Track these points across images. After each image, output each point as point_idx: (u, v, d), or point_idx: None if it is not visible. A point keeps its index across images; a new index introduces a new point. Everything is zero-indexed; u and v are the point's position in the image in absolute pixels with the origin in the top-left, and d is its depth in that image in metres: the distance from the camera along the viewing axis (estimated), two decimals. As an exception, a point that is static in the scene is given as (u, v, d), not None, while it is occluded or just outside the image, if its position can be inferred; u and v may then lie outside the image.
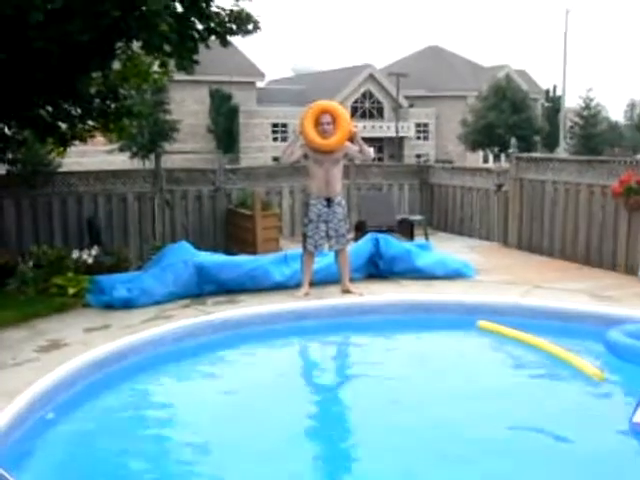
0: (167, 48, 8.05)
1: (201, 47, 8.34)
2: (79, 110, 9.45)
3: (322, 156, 7.77)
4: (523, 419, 4.87)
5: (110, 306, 7.44)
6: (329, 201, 7.81)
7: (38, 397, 4.95)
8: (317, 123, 7.74)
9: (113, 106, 9.67)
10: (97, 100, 9.54)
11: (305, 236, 7.89)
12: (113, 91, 9.54)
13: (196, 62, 8.44)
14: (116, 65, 9.46)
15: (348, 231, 8.17)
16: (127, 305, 7.42)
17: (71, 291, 7.78)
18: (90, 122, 9.75)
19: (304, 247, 7.92)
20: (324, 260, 8.33)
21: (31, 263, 8.26)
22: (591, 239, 9.55)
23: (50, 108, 9.28)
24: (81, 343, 6.19)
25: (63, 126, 9.58)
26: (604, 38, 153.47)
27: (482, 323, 6.71)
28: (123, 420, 5.18)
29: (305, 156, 7.96)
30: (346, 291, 7.88)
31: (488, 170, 13.30)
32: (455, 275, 8.67)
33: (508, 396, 5.31)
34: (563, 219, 10.04)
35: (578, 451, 4.43)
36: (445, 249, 10.02)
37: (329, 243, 7.92)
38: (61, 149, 10.36)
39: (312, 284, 7.99)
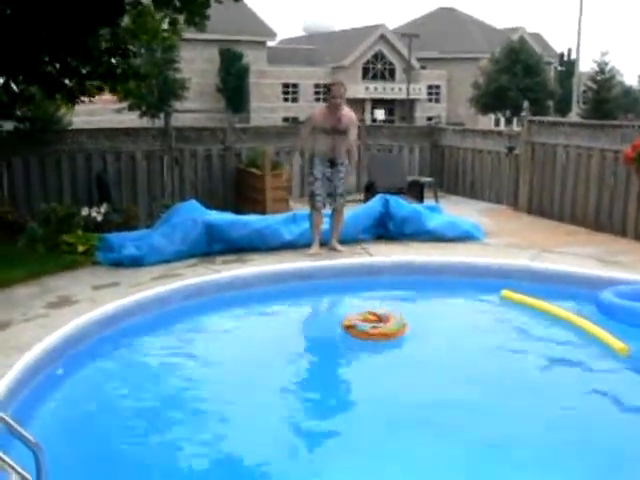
0: (177, 3, 7.94)
1: (213, 3, 8.22)
2: (87, 68, 9.36)
3: (329, 129, 7.84)
4: (541, 391, 4.83)
5: (119, 264, 7.46)
6: (333, 163, 7.92)
7: (47, 353, 4.99)
8: (329, 96, 7.91)
9: (120, 67, 9.56)
10: (105, 57, 9.44)
11: (312, 194, 7.97)
12: (121, 48, 9.43)
13: (207, 17, 8.33)
14: (126, 22, 9.34)
15: (347, 192, 8.28)
16: (136, 263, 7.43)
17: (80, 249, 7.80)
18: (97, 81, 9.66)
19: (312, 205, 7.97)
20: (333, 220, 8.32)
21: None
22: (601, 204, 9.48)
23: (57, 65, 9.20)
24: (90, 300, 6.22)
25: (70, 83, 9.50)
26: (620, 1, 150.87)
27: (505, 292, 6.61)
28: (131, 376, 5.23)
29: (313, 128, 7.99)
30: (332, 249, 8.00)
31: (499, 133, 13.20)
32: (465, 237, 8.65)
33: (527, 368, 5.29)
34: (574, 184, 9.97)
35: (597, 425, 4.41)
36: (455, 212, 9.97)
37: (328, 201, 8.03)
38: (69, 105, 10.28)
39: (322, 244, 8.00)
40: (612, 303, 6.01)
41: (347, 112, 7.93)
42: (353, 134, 8.02)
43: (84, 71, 9.32)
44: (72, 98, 9.78)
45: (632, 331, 5.68)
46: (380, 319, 5.68)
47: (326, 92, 7.90)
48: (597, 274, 6.91)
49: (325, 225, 8.13)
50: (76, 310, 5.89)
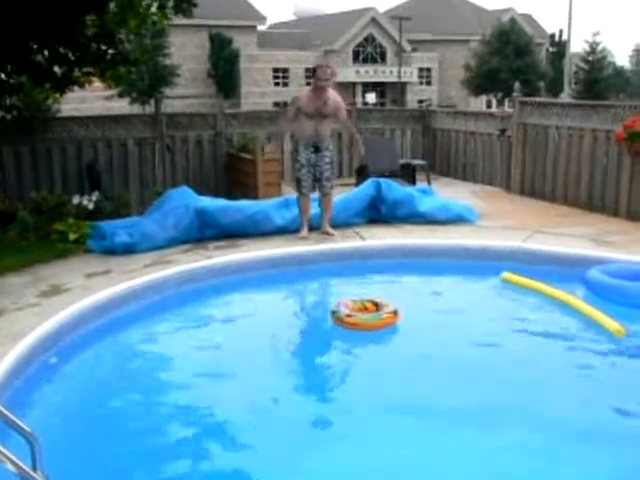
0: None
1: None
2: (76, 54, 9.28)
3: (313, 112, 7.79)
4: (538, 371, 4.85)
5: (111, 251, 7.44)
6: (317, 148, 7.90)
7: (40, 341, 4.98)
8: (315, 79, 7.85)
9: (109, 52, 9.49)
10: (93, 44, 9.36)
11: (299, 180, 7.97)
12: (109, 34, 9.35)
13: (194, 5, 8.27)
14: (112, 7, 9.25)
15: (334, 175, 8.27)
16: (128, 250, 7.41)
17: (72, 237, 7.77)
18: (86, 68, 9.58)
19: (299, 191, 7.98)
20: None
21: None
22: (594, 185, 9.49)
23: (46, 52, 9.12)
24: (82, 288, 6.20)
25: (59, 71, 9.43)
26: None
27: (506, 275, 6.59)
28: (124, 364, 5.24)
29: (298, 109, 7.93)
30: (325, 233, 8.00)
31: (491, 115, 13.16)
32: (457, 220, 8.64)
33: (525, 349, 5.30)
34: (566, 165, 9.97)
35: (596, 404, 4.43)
36: (447, 194, 9.97)
37: (316, 185, 8.03)
38: (57, 94, 10.21)
39: (312, 228, 8.01)
40: (599, 281, 6.06)
41: (333, 95, 7.87)
42: (343, 116, 8.00)
43: (73, 58, 9.25)
44: (61, 87, 9.71)
45: (626, 311, 5.71)
46: (377, 308, 5.61)
47: (312, 75, 7.83)
48: (590, 254, 6.93)
49: (315, 210, 8.12)
50: (69, 298, 5.87)
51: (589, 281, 6.14)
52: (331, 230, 8.05)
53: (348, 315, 5.50)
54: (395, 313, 5.53)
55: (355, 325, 5.45)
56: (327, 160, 7.96)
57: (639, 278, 6.07)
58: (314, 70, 7.91)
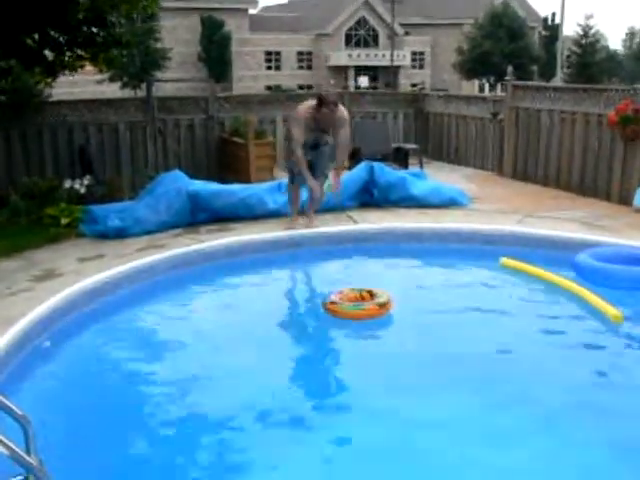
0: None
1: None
2: (66, 37, 9.20)
3: (317, 128, 7.32)
4: (534, 356, 4.88)
5: (103, 236, 7.43)
6: (316, 145, 7.44)
7: (34, 326, 4.98)
8: (323, 107, 7.13)
9: (101, 35, 9.40)
10: (84, 28, 9.28)
11: (292, 172, 7.62)
12: (101, 18, 9.26)
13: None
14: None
15: (329, 166, 7.68)
16: (120, 234, 7.40)
17: (64, 221, 7.75)
18: (78, 51, 9.50)
19: (290, 181, 7.70)
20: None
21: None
22: (586, 169, 9.50)
23: (36, 36, 9.04)
24: (75, 273, 6.19)
25: (50, 55, 9.35)
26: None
27: (505, 260, 6.58)
28: (118, 347, 5.24)
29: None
30: (308, 222, 7.62)
31: (484, 98, 13.16)
32: (450, 203, 8.65)
33: (523, 333, 5.31)
34: (558, 148, 9.97)
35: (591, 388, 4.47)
36: (440, 178, 9.98)
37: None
38: (49, 79, 10.13)
39: (302, 213, 7.95)
40: (587, 265, 6.08)
41: (341, 113, 7.27)
42: (344, 136, 7.41)
43: (63, 41, 9.17)
44: (52, 72, 9.63)
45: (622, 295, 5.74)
46: (372, 297, 5.59)
47: (319, 103, 7.10)
48: (581, 237, 6.95)
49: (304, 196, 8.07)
50: (62, 283, 5.86)
51: (577, 265, 6.17)
52: (315, 221, 7.66)
53: (332, 302, 5.49)
54: (383, 305, 5.46)
55: (336, 313, 5.44)
56: (324, 155, 7.49)
57: (628, 261, 6.11)
58: (320, 99, 7.14)
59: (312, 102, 7.31)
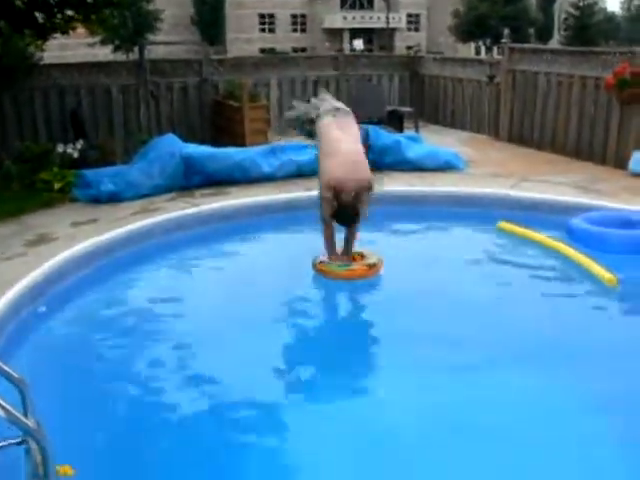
0: None
1: None
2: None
3: None
4: (528, 317, 4.91)
5: (97, 200, 7.40)
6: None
7: (29, 290, 4.98)
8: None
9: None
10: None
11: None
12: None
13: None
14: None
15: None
16: (114, 199, 7.37)
17: (57, 186, 7.70)
18: (69, 12, 9.34)
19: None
20: (313, 152, 8.25)
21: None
22: (582, 132, 9.45)
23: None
24: (69, 237, 6.17)
25: (40, 17, 9.19)
26: None
27: (502, 224, 6.59)
28: (112, 311, 5.22)
29: None
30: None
31: (480, 61, 13.05)
32: (445, 167, 8.63)
33: (517, 295, 5.36)
34: (555, 112, 9.91)
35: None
36: (435, 142, 9.92)
37: None
38: (40, 42, 9.98)
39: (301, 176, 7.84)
40: (580, 229, 6.10)
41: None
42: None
43: (53, 1, 9.00)
44: (43, 34, 9.48)
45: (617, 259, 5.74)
46: (362, 259, 5.58)
47: None
48: (576, 201, 6.95)
49: (303, 157, 7.97)
50: (56, 247, 5.85)
51: (572, 228, 6.20)
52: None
53: (321, 263, 5.51)
54: (372, 266, 5.46)
55: (325, 273, 5.46)
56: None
57: (623, 225, 6.11)
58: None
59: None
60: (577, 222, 6.17)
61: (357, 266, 5.47)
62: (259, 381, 4.05)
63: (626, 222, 6.19)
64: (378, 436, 3.50)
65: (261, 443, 3.53)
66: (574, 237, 6.13)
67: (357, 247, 5.73)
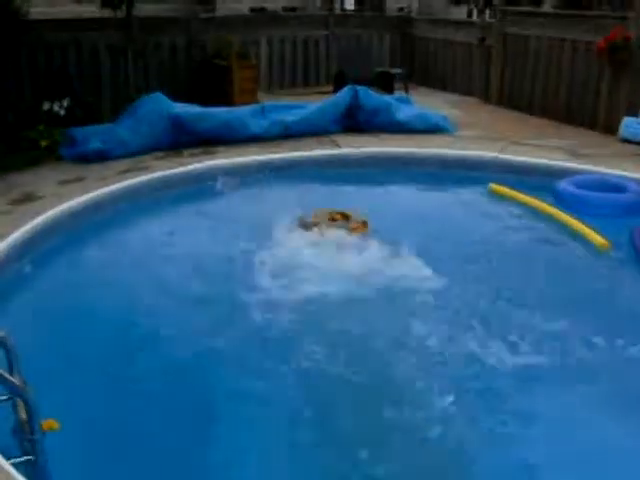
0: None
1: None
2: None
3: None
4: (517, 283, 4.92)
5: (84, 158, 7.32)
6: None
7: (14, 249, 4.95)
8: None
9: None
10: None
11: None
12: None
13: None
14: None
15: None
16: (101, 157, 7.31)
17: (43, 144, 7.61)
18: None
19: None
20: (302, 112, 8.21)
21: None
22: (572, 97, 9.40)
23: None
24: (55, 195, 6.12)
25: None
26: None
27: (494, 186, 6.60)
28: (98, 270, 5.20)
29: None
30: None
31: (471, 23, 12.91)
32: (435, 129, 8.59)
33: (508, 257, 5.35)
34: (545, 76, 9.85)
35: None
36: (425, 104, 9.86)
37: None
38: (25, -5, 9.78)
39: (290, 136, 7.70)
40: (568, 192, 6.16)
41: None
42: None
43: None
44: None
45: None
46: (346, 219, 5.55)
47: None
48: (566, 165, 6.97)
49: (294, 117, 7.89)
50: (42, 206, 5.81)
51: (558, 191, 6.25)
52: None
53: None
54: (355, 229, 5.42)
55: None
56: None
57: (609, 190, 6.16)
58: None
59: None
60: (563, 185, 6.21)
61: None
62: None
63: (613, 186, 6.22)
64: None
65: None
66: (560, 199, 6.18)
67: (344, 207, 5.72)
